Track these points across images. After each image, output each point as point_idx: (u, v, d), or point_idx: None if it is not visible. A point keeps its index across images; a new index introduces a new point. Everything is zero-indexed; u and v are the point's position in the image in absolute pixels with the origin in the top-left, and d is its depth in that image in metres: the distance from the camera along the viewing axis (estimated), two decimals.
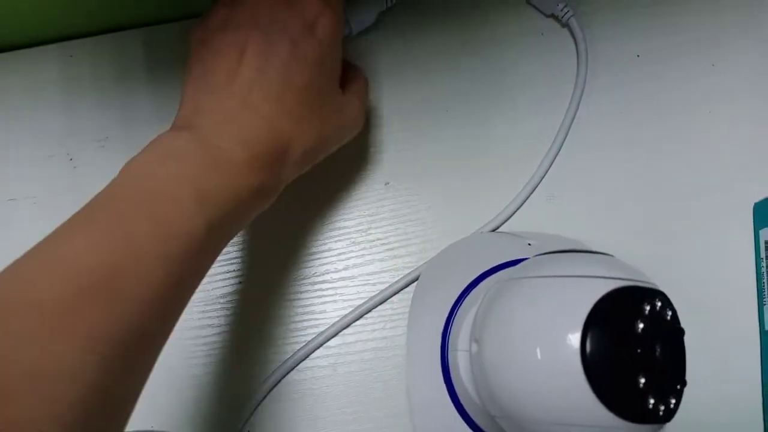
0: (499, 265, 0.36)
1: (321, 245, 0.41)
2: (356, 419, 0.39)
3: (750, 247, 0.39)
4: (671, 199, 0.40)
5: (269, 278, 0.41)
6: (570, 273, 0.27)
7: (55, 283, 0.22)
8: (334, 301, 0.40)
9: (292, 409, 0.39)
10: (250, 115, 0.29)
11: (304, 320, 0.40)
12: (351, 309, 0.40)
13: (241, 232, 0.41)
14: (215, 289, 0.41)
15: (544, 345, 0.26)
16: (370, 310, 0.40)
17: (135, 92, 0.44)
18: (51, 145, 0.44)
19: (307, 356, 0.39)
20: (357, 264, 0.41)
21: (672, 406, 0.25)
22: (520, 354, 0.27)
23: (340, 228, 0.41)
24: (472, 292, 0.36)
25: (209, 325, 0.40)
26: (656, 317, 0.26)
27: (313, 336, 0.40)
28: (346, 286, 0.40)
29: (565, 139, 0.41)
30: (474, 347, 0.29)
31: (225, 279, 0.41)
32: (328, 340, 0.40)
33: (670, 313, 0.26)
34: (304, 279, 0.40)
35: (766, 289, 0.38)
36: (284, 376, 0.39)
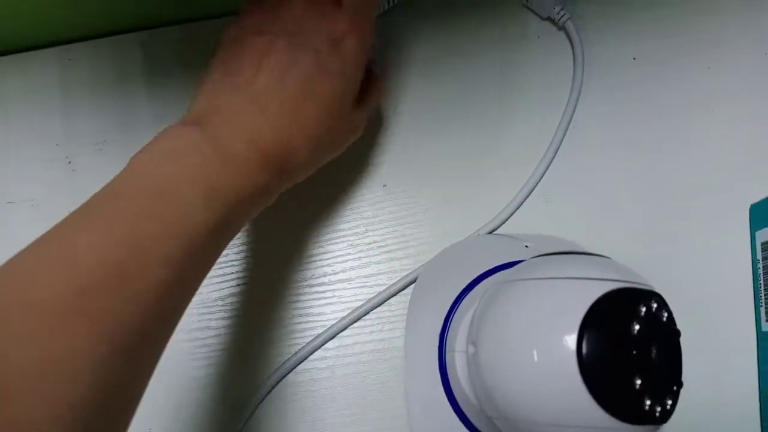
0: (496, 267, 0.36)
1: (319, 248, 0.41)
2: (354, 421, 0.39)
3: (747, 248, 0.39)
4: (668, 200, 0.40)
5: (267, 281, 0.41)
6: (566, 275, 0.27)
7: (55, 282, 0.22)
8: (332, 304, 0.40)
9: (290, 411, 0.39)
10: (262, 119, 0.29)
11: (302, 322, 0.40)
12: (349, 311, 0.40)
13: (239, 235, 0.41)
14: (213, 291, 0.41)
15: (540, 347, 0.26)
16: (367, 313, 0.40)
17: (133, 95, 0.44)
18: (49, 148, 0.44)
19: (305, 358, 0.40)
20: (354, 266, 0.41)
21: (668, 407, 0.25)
22: (516, 355, 0.27)
23: (337, 230, 0.41)
24: (470, 294, 0.36)
25: (207, 327, 0.40)
26: (652, 319, 0.26)
27: (311, 338, 0.40)
28: (344, 289, 0.40)
29: (561, 142, 0.41)
30: (471, 349, 0.29)
31: (223, 281, 0.41)
32: (326, 342, 0.40)
33: (666, 314, 0.26)
34: (302, 281, 0.41)
35: (762, 291, 0.38)
36: (282, 378, 0.39)
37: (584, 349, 0.24)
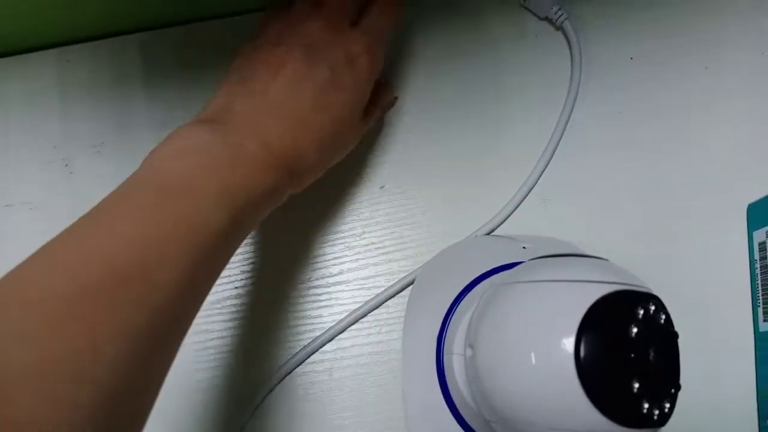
0: (495, 269, 0.36)
1: (315, 250, 0.41)
2: (352, 423, 0.39)
3: (745, 248, 0.39)
4: (666, 200, 0.40)
5: (264, 283, 0.41)
6: (564, 277, 0.27)
7: (58, 283, 0.22)
8: (330, 306, 0.40)
9: (287, 413, 0.39)
10: (275, 123, 0.30)
11: (300, 325, 0.40)
12: (346, 313, 0.40)
13: None
14: (210, 295, 0.40)
15: (538, 349, 0.26)
16: (365, 315, 0.40)
17: (131, 97, 0.44)
18: (47, 151, 0.44)
19: (303, 361, 0.39)
20: (352, 268, 0.41)
21: (666, 410, 0.25)
22: (514, 358, 0.26)
23: (334, 232, 0.41)
24: (468, 295, 0.36)
25: (205, 331, 0.40)
26: (650, 321, 0.26)
27: (309, 341, 0.40)
28: (342, 291, 0.40)
29: (559, 142, 0.41)
30: (469, 352, 0.29)
31: (220, 284, 0.41)
32: (324, 344, 0.40)
33: (663, 317, 0.26)
34: (299, 284, 0.40)
35: (760, 291, 0.38)
36: (280, 381, 0.39)
37: (582, 352, 0.24)
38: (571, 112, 0.41)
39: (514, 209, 0.40)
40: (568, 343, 0.25)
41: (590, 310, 0.25)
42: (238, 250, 0.41)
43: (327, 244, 0.41)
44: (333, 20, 0.33)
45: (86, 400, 0.21)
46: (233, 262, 0.41)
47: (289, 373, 0.39)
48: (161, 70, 0.44)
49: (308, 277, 0.40)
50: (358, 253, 0.41)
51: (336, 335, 0.40)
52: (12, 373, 0.20)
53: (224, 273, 0.40)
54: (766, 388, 0.37)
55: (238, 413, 0.39)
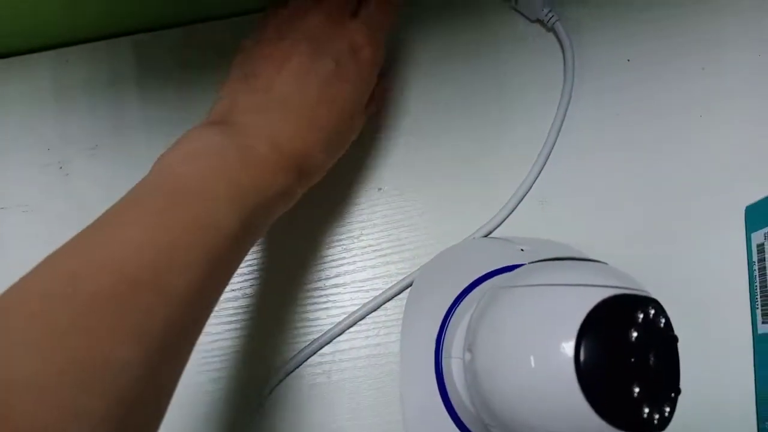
0: (493, 272, 0.36)
1: (313, 252, 0.41)
2: (350, 426, 0.39)
3: (744, 249, 0.39)
4: (664, 201, 0.40)
5: (262, 286, 0.40)
6: (563, 281, 0.27)
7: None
8: (327, 308, 0.40)
9: (285, 416, 0.39)
10: (283, 121, 0.30)
11: (298, 327, 0.40)
12: (344, 316, 0.40)
13: None
14: None
15: (537, 353, 0.26)
16: (363, 317, 0.40)
17: (126, 100, 0.44)
18: (43, 153, 0.44)
19: (301, 364, 0.39)
20: (349, 271, 0.40)
21: (666, 414, 0.25)
22: (513, 362, 0.26)
23: (332, 234, 0.41)
24: (466, 298, 0.36)
25: (202, 334, 0.40)
26: (650, 325, 0.26)
27: (307, 343, 0.39)
28: (339, 293, 0.40)
29: (554, 144, 0.41)
30: (467, 355, 0.29)
31: None
32: (322, 347, 0.39)
33: (663, 320, 0.26)
34: (296, 286, 0.40)
35: (758, 293, 0.38)
36: (278, 384, 0.39)
37: (582, 356, 0.24)
38: (565, 113, 0.41)
39: (512, 211, 0.40)
40: (568, 347, 0.24)
41: (590, 314, 0.25)
42: None
43: (324, 247, 0.41)
44: (333, 13, 0.32)
45: (94, 410, 0.20)
46: None
47: (287, 375, 0.39)
48: (158, 72, 0.44)
49: (306, 279, 0.40)
50: (355, 255, 0.41)
51: (334, 338, 0.39)
52: (15, 382, 0.20)
53: None
54: (765, 389, 0.37)
55: (236, 416, 0.39)
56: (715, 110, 0.41)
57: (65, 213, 0.43)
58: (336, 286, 0.40)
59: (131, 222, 0.24)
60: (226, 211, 0.26)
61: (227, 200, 0.26)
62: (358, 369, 0.39)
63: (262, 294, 0.40)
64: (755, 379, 0.38)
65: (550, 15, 0.41)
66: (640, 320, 0.25)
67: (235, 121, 0.29)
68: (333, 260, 0.41)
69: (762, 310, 0.37)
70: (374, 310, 0.39)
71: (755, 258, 0.38)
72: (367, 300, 0.40)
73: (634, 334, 0.25)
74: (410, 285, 0.39)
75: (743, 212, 0.39)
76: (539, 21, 0.42)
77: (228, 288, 0.40)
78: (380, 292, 0.40)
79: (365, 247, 0.41)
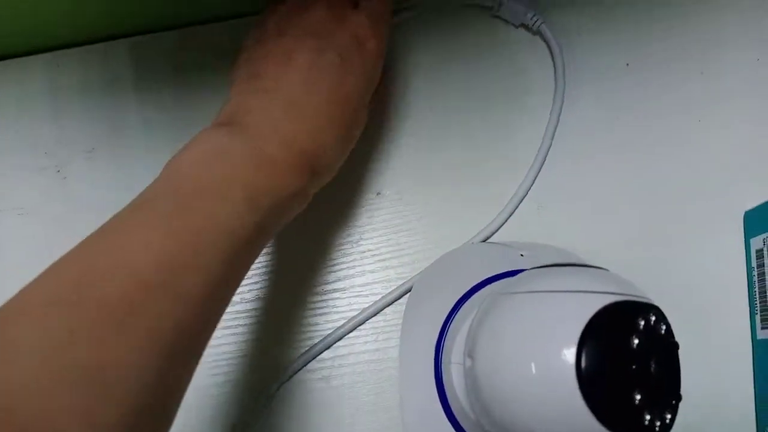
0: (493, 277, 0.36)
1: (312, 257, 0.41)
2: None
3: (742, 255, 0.39)
4: (662, 206, 0.40)
5: (261, 291, 0.40)
6: (564, 288, 0.27)
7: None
8: (326, 314, 0.40)
9: (284, 422, 0.39)
10: (293, 120, 0.29)
11: (297, 333, 0.40)
12: (343, 321, 0.39)
13: None
14: None
15: (538, 360, 0.25)
16: (362, 323, 0.39)
17: (123, 102, 0.43)
18: (39, 156, 0.43)
19: (300, 369, 0.39)
20: (348, 275, 0.40)
21: (668, 421, 0.25)
22: (514, 369, 0.26)
23: (331, 239, 0.41)
24: (466, 303, 0.36)
25: None
26: (651, 332, 0.25)
27: (306, 348, 0.39)
28: (338, 298, 0.40)
29: (550, 148, 0.41)
30: (468, 362, 0.29)
31: None
32: (321, 352, 0.39)
33: (664, 327, 0.26)
34: (295, 291, 0.40)
35: (757, 298, 0.38)
36: (278, 389, 0.39)
37: (583, 363, 0.24)
38: (559, 116, 0.41)
39: (509, 216, 0.40)
40: (570, 354, 0.24)
41: (591, 321, 0.25)
42: None
43: (324, 251, 0.41)
44: (334, 6, 0.32)
45: (104, 417, 0.20)
46: None
47: (286, 381, 0.39)
48: (155, 75, 0.44)
49: (305, 284, 0.40)
50: (354, 260, 0.40)
51: (333, 343, 0.39)
52: (21, 392, 0.19)
53: None
54: (765, 395, 0.37)
55: (234, 421, 0.39)
56: (715, 113, 0.41)
57: (62, 216, 0.43)
58: (335, 291, 0.40)
59: (140, 226, 0.24)
60: (238, 213, 0.26)
61: (238, 202, 0.26)
62: (358, 374, 0.39)
63: (261, 299, 0.40)
64: (755, 385, 0.37)
65: (534, 18, 0.41)
66: (641, 327, 0.25)
67: (244, 122, 0.29)
68: (332, 265, 0.40)
69: (761, 315, 0.37)
70: (373, 315, 0.39)
71: (754, 264, 0.38)
72: (366, 305, 0.39)
73: (636, 341, 0.25)
74: (410, 290, 0.39)
75: (742, 217, 0.39)
76: (523, 25, 0.42)
77: None
78: (379, 297, 0.39)
79: (364, 252, 0.40)
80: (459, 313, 0.35)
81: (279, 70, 0.30)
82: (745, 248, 0.39)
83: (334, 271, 0.40)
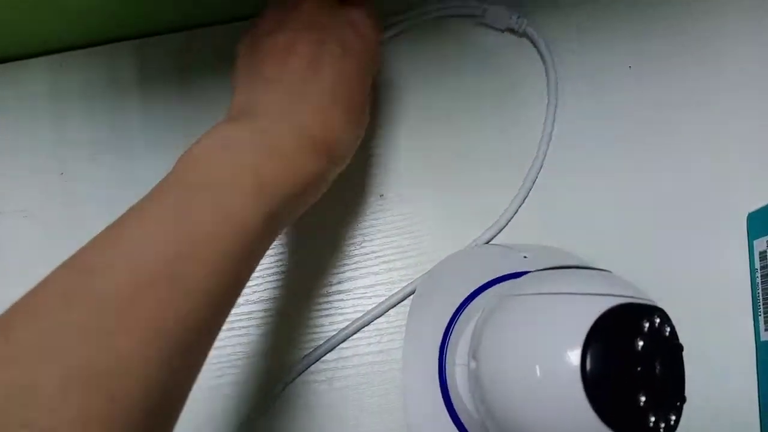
0: (497, 279, 0.36)
1: (315, 259, 0.41)
2: None
3: (746, 256, 0.39)
4: (664, 208, 0.40)
5: (264, 293, 0.40)
6: (569, 290, 0.27)
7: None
8: (330, 315, 0.40)
9: (288, 423, 0.39)
10: (302, 106, 0.29)
11: (300, 334, 0.40)
12: (347, 323, 0.39)
13: None
14: None
15: (543, 362, 0.25)
16: (366, 324, 0.39)
17: (125, 104, 0.44)
18: (41, 158, 0.44)
19: (304, 370, 0.39)
20: (352, 277, 0.40)
21: (672, 423, 0.25)
22: (519, 371, 0.26)
23: (334, 241, 0.41)
24: (470, 305, 0.36)
25: None
26: (655, 334, 0.25)
27: (310, 350, 0.39)
28: (342, 300, 0.40)
29: (547, 150, 0.41)
30: (472, 363, 0.29)
31: None
32: (325, 354, 0.39)
33: (668, 329, 0.26)
34: (298, 293, 0.40)
35: (761, 300, 0.38)
36: (282, 391, 0.39)
37: (588, 366, 0.24)
38: (554, 116, 0.41)
39: (512, 217, 0.40)
40: (575, 356, 0.24)
41: (596, 323, 0.25)
42: None
43: (327, 254, 0.41)
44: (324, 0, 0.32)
45: (108, 412, 0.20)
46: None
47: (290, 382, 0.39)
48: (158, 77, 0.44)
49: (309, 286, 0.40)
50: (358, 262, 0.40)
51: (337, 345, 0.39)
52: (29, 387, 0.19)
53: None
54: None
55: (238, 423, 0.39)
56: (718, 115, 0.41)
57: (64, 218, 0.43)
58: (339, 293, 0.40)
59: (150, 217, 0.24)
60: (246, 202, 0.26)
61: (248, 191, 0.26)
62: (362, 376, 0.39)
63: (265, 301, 0.40)
64: (759, 387, 0.37)
65: (519, 21, 0.41)
66: (646, 329, 0.25)
67: (255, 114, 0.29)
68: (335, 267, 0.40)
69: (765, 317, 0.37)
70: (377, 317, 0.39)
71: (758, 265, 0.38)
72: (370, 307, 0.39)
73: (640, 343, 0.25)
74: (413, 292, 0.39)
75: (745, 219, 0.40)
76: (509, 29, 0.42)
77: None
78: (383, 299, 0.40)
79: (368, 254, 0.41)
80: (463, 314, 0.35)
81: (281, 62, 0.30)
82: (749, 250, 0.39)
83: (338, 273, 0.40)
